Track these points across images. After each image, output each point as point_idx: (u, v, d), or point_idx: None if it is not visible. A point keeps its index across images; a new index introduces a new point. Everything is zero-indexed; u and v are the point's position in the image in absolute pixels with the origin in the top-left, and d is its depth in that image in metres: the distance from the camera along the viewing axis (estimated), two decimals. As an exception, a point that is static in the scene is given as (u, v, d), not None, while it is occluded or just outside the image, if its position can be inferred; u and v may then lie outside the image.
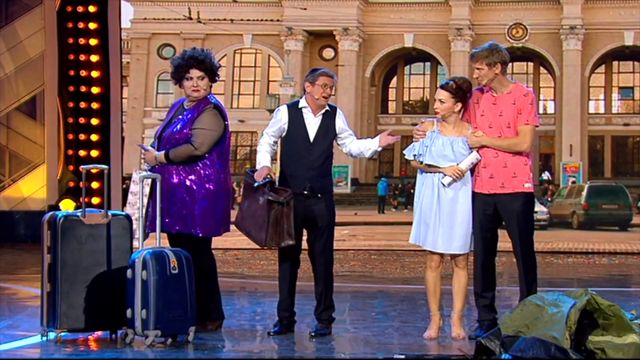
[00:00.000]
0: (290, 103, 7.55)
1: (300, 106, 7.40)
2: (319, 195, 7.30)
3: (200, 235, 7.39)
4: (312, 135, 7.32)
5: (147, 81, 51.58)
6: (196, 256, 7.33)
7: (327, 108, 7.39)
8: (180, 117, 7.49)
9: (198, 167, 7.37)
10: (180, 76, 7.49)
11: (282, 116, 7.40)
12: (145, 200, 7.22)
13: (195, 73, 7.44)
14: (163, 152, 7.38)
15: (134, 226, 7.16)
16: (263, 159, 7.31)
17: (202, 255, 7.44)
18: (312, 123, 7.35)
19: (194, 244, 7.38)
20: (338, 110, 7.47)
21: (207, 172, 7.37)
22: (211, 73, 7.50)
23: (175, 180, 7.35)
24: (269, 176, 7.14)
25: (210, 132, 7.37)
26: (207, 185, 7.35)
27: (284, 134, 7.39)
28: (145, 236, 7.17)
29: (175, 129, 7.44)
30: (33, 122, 16.75)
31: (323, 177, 7.33)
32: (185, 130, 7.39)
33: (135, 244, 7.11)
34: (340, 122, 7.39)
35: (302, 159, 7.29)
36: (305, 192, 7.27)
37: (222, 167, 7.44)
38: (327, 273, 7.36)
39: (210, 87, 7.55)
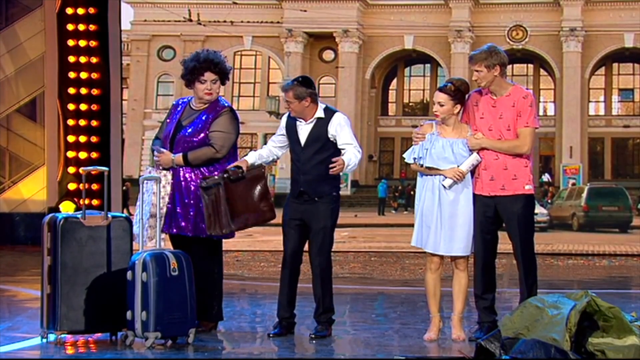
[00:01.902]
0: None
1: (293, 114, 7.45)
2: (316, 199, 7.32)
3: (215, 237, 7.43)
4: (302, 141, 7.35)
5: (147, 83, 51.61)
6: (209, 258, 7.37)
7: (321, 115, 7.37)
8: (193, 119, 7.46)
9: (212, 170, 7.37)
10: (193, 78, 7.47)
11: (281, 124, 7.54)
12: (148, 200, 7.22)
13: (210, 76, 7.43)
14: (180, 154, 7.36)
15: (135, 228, 7.16)
16: (248, 155, 7.40)
17: (215, 257, 7.48)
18: (304, 130, 7.37)
19: (207, 246, 7.41)
20: (335, 116, 7.37)
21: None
22: (224, 76, 7.51)
23: (190, 183, 7.36)
24: (232, 167, 7.20)
25: (230, 135, 7.43)
26: None
27: (286, 141, 7.49)
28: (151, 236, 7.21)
29: (188, 132, 7.42)
30: (33, 124, 16.76)
31: (319, 182, 7.32)
32: (202, 134, 7.39)
33: (150, 243, 7.12)
34: (333, 129, 7.34)
35: (297, 164, 7.39)
36: (302, 196, 7.32)
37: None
38: (323, 276, 7.36)
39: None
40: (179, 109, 7.57)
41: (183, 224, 7.33)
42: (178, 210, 7.32)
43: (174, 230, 7.33)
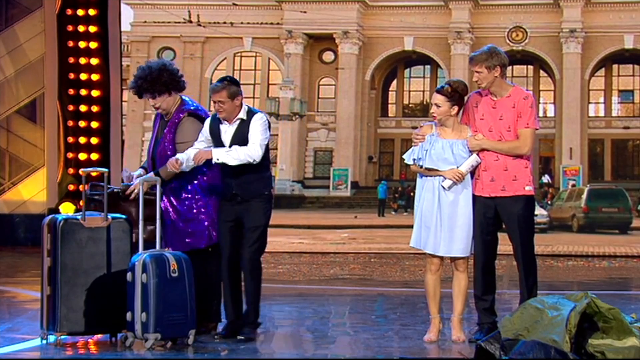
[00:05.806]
0: (214, 113, 7.44)
1: (218, 116, 7.38)
2: (249, 200, 7.29)
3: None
4: (226, 143, 7.29)
5: (147, 84, 51.55)
6: (208, 259, 7.38)
7: (244, 116, 7.32)
8: (164, 133, 7.48)
9: (184, 183, 7.36)
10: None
11: (204, 129, 7.40)
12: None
13: (149, 96, 7.42)
14: (152, 173, 7.31)
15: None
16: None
17: (213, 258, 7.48)
18: (228, 132, 7.31)
19: (205, 249, 7.43)
20: (256, 116, 7.33)
21: (209, 182, 7.40)
22: (168, 90, 7.42)
23: (187, 199, 7.37)
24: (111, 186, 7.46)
25: (188, 143, 7.36)
26: (212, 196, 7.39)
27: (212, 144, 7.38)
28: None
29: (163, 147, 7.42)
30: (33, 125, 16.77)
31: (250, 183, 7.29)
32: (171, 145, 7.39)
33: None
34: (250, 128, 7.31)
35: (224, 167, 7.28)
36: (233, 199, 7.29)
37: (218, 171, 7.43)
38: (254, 275, 7.31)
39: (179, 92, 7.48)
40: (157, 122, 7.60)
41: (188, 240, 7.35)
42: (178, 227, 7.33)
43: (160, 230, 7.23)
